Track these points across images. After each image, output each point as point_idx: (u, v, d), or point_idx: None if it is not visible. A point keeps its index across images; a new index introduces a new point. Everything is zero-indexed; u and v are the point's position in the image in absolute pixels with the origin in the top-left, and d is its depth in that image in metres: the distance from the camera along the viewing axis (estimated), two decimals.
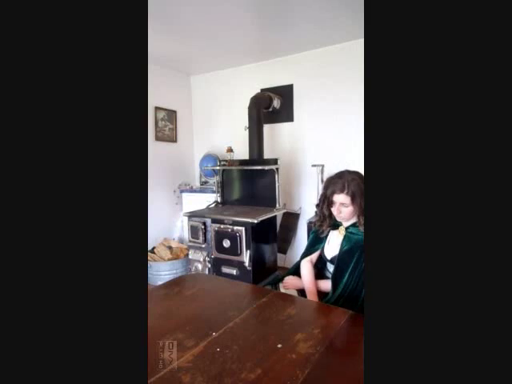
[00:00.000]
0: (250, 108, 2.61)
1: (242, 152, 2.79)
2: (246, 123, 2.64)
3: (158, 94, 3.08)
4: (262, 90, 2.96)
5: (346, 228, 1.25)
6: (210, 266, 2.44)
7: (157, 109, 3.07)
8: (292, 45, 2.65)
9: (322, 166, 2.73)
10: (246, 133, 2.63)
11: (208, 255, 2.44)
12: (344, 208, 1.20)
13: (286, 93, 2.90)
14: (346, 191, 1.18)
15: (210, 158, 3.17)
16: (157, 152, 3.10)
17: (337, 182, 1.20)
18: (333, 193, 1.21)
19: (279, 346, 0.76)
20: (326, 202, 1.25)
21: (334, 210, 1.23)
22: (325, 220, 1.30)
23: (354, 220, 1.24)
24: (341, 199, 1.19)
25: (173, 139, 3.28)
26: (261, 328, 0.83)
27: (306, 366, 0.70)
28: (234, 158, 2.76)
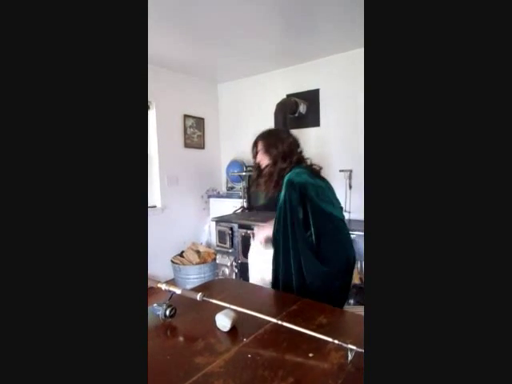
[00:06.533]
0: (275, 114, 2.63)
1: None
2: None
3: (186, 103, 3.19)
4: (288, 96, 2.97)
5: None
6: (236, 270, 2.46)
7: (185, 116, 3.17)
8: (317, 49, 2.64)
9: (350, 171, 2.68)
10: None
11: (235, 260, 2.47)
12: (259, 155, 1.33)
13: (312, 98, 2.89)
14: (260, 139, 1.36)
15: (236, 163, 3.21)
16: (186, 158, 3.20)
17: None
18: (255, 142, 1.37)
19: (311, 355, 0.75)
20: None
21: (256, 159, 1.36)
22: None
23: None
24: (258, 146, 1.34)
25: (201, 146, 3.36)
26: (292, 336, 0.82)
27: (339, 377, 0.68)
28: None
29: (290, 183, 1.20)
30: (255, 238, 1.55)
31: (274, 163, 1.28)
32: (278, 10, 1.98)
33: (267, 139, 1.33)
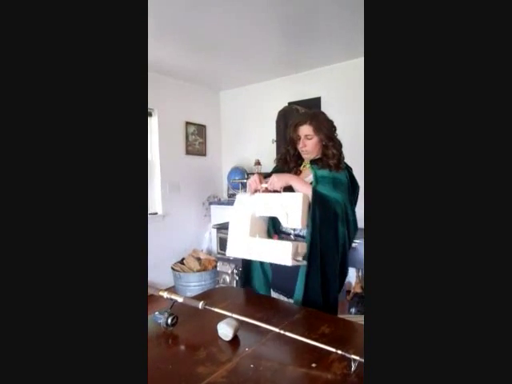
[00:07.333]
0: (277, 121, 2.65)
1: (269, 165, 2.82)
2: (274, 136, 2.67)
3: (188, 110, 3.21)
4: (290, 104, 2.99)
5: (310, 162, 1.27)
6: (237, 278, 2.45)
7: (187, 124, 3.19)
8: (318, 58, 2.67)
9: None
10: (274, 146, 2.66)
11: (236, 268, 2.46)
12: (308, 140, 1.23)
13: (313, 106, 2.91)
14: (308, 122, 1.22)
15: (237, 170, 3.22)
16: (187, 165, 3.21)
17: (297, 116, 1.26)
18: (296, 126, 1.24)
19: (314, 365, 0.74)
20: (291, 138, 1.28)
21: (299, 145, 1.25)
22: (290, 160, 1.32)
23: (318, 155, 1.26)
24: (305, 131, 1.22)
25: (202, 153, 3.37)
26: (294, 346, 0.82)
27: None
28: (262, 171, 2.79)
29: (350, 178, 1.23)
30: (255, 181, 1.26)
31: (335, 144, 1.26)
32: (279, 18, 2.01)
33: (316, 121, 1.22)
